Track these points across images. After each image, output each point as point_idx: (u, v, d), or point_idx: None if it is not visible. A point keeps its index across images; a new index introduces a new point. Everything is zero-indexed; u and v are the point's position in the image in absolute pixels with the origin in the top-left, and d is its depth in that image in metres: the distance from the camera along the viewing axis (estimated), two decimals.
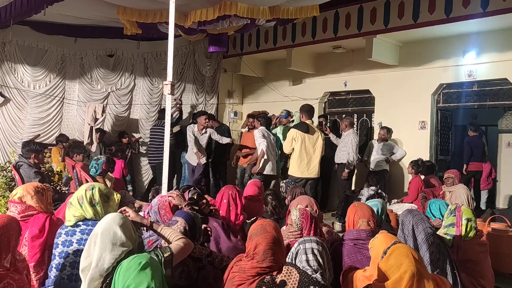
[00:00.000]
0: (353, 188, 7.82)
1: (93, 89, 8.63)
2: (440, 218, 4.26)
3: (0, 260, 2.19)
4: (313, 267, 2.24)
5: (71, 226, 2.80)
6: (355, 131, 8.21)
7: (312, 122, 6.82)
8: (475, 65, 7.27)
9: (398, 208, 6.08)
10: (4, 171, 5.58)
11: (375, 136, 8.49)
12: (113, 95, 8.82)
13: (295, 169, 6.50)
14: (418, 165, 6.98)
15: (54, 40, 8.13)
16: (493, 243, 4.00)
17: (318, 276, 2.20)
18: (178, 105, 8.85)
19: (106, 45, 8.67)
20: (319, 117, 8.55)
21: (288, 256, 2.38)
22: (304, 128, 6.49)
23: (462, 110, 8.46)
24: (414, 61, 7.88)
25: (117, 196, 2.97)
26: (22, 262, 2.46)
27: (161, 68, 8.87)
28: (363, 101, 8.98)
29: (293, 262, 2.32)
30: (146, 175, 9.22)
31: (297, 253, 2.32)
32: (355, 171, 7.83)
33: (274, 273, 2.36)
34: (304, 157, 6.48)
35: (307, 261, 2.27)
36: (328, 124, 8.75)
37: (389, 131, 7.88)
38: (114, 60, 8.83)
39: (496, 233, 4.84)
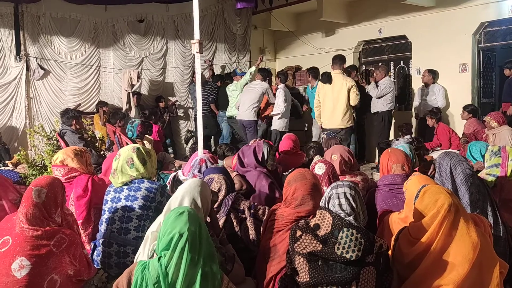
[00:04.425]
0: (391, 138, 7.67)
1: (127, 56, 8.76)
2: (481, 161, 4.15)
3: (51, 214, 2.36)
4: (346, 211, 2.25)
5: None
6: (391, 78, 7.95)
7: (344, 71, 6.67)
8: None
9: (434, 152, 5.95)
10: (51, 139, 5.82)
11: (413, 84, 8.22)
12: (147, 60, 8.93)
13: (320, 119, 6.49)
14: (435, 113, 6.87)
15: (85, 9, 8.25)
16: None
17: (351, 218, 2.22)
18: (210, 66, 8.89)
19: (135, 10, 8.71)
20: (347, 67, 7.63)
21: (321, 201, 2.41)
22: (325, 78, 6.40)
23: (506, 49, 7.99)
24: (452, 0, 7.45)
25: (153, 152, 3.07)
26: (71, 216, 2.65)
27: (192, 29, 8.76)
28: (399, 48, 8.66)
29: (326, 207, 2.34)
30: (185, 137, 9.41)
31: (329, 198, 2.33)
32: (393, 120, 7.66)
33: (309, 218, 2.41)
34: (325, 108, 6.42)
35: (340, 205, 2.28)
36: (360, 76, 8.48)
37: (433, 73, 7.58)
38: (145, 25, 8.88)
39: None
